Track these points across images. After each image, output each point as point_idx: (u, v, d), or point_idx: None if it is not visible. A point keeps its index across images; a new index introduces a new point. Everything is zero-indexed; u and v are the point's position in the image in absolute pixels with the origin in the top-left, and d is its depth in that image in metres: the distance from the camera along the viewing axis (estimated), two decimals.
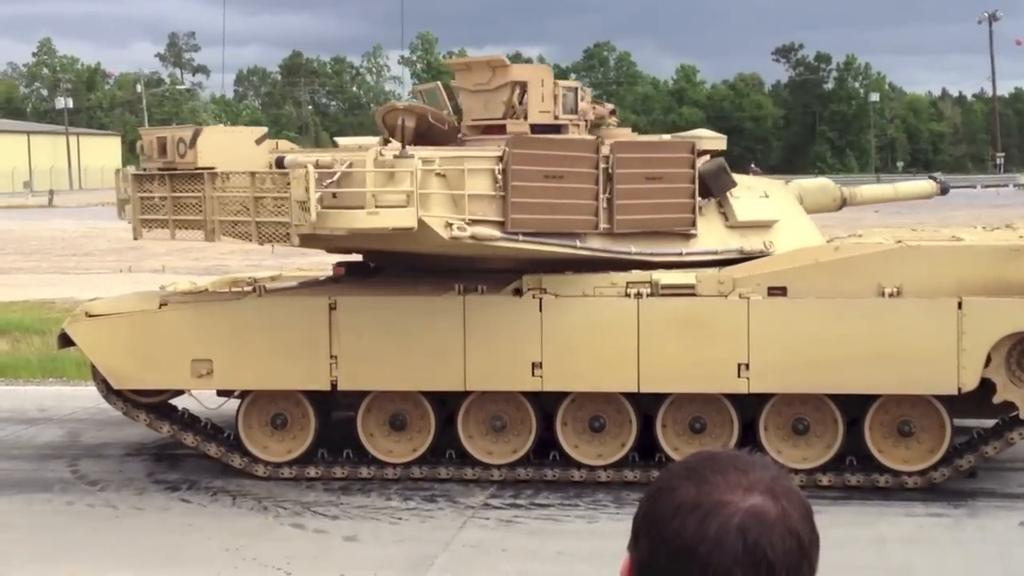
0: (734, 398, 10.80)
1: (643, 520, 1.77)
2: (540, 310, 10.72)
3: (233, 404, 11.69)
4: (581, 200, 10.55)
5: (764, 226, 11.49)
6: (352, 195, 9.74)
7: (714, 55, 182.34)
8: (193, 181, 10.49)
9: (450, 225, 10.00)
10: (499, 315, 10.79)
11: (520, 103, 11.31)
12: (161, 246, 38.16)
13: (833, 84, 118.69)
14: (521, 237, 10.34)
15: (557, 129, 11.39)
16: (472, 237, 10.09)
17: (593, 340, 10.64)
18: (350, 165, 9.78)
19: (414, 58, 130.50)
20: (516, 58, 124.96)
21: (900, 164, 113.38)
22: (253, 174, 10.09)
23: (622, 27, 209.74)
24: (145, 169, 10.95)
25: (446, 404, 11.28)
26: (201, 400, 11.92)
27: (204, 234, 10.53)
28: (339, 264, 12.33)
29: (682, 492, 1.72)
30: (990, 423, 11.12)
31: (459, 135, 11.54)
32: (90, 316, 11.33)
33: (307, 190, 9.53)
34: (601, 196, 10.62)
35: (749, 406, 10.86)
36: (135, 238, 11.20)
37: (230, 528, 9.94)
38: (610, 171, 10.64)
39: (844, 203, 13.16)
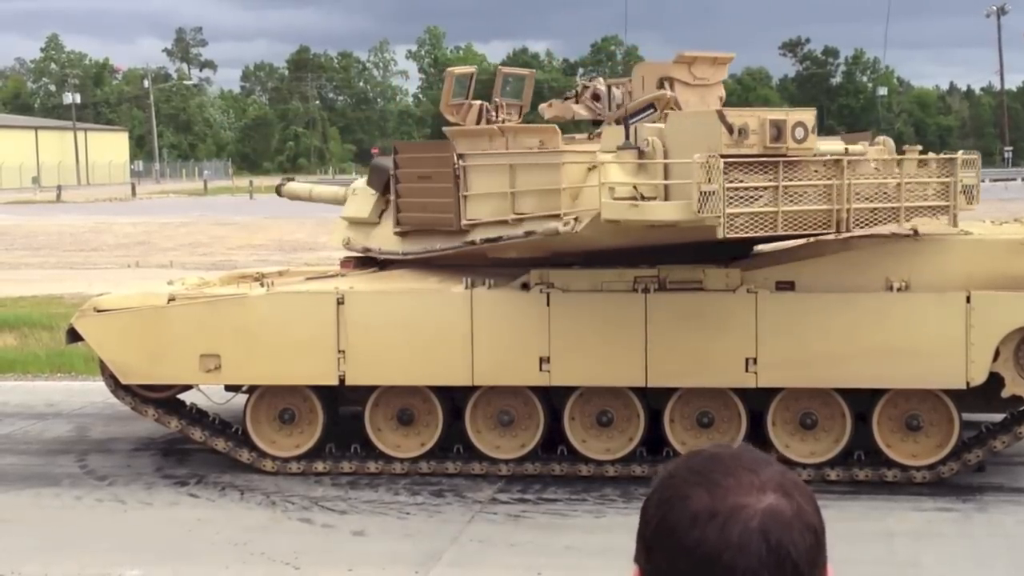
0: (742, 393, 10.79)
1: (657, 532, 1.73)
2: (547, 304, 10.71)
3: (241, 399, 11.70)
4: None
5: None
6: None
7: (720, 49, 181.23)
8: (806, 168, 9.64)
9: None
10: (507, 309, 10.79)
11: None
12: (168, 240, 38.23)
13: (841, 78, 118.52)
14: None
15: None
16: None
17: (601, 335, 10.64)
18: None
19: (422, 53, 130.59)
20: (523, 52, 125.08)
21: None
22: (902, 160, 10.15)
23: (628, 21, 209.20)
24: (740, 156, 9.44)
25: (454, 399, 11.28)
26: (209, 395, 11.93)
27: (834, 225, 9.71)
28: (346, 259, 12.35)
29: (696, 500, 1.70)
30: (998, 417, 11.09)
31: None
32: (98, 311, 11.35)
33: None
34: None
35: (757, 401, 10.84)
36: (720, 236, 9.21)
37: (238, 523, 9.96)
38: None
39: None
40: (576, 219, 9.88)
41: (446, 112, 12.19)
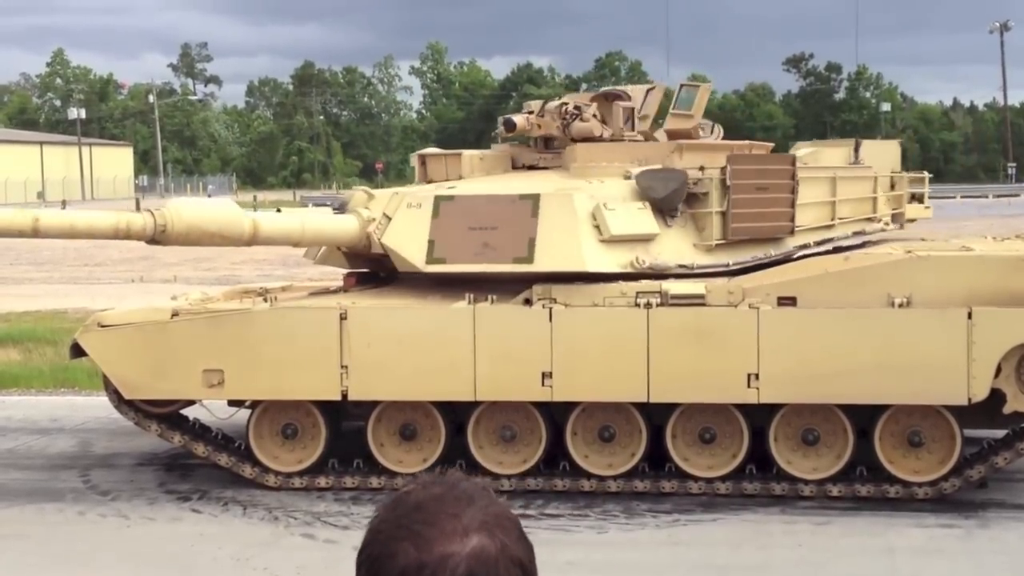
0: (744, 408, 10.80)
1: None
2: (550, 320, 10.73)
3: (244, 414, 11.72)
4: None
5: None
6: None
7: (724, 65, 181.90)
8: None
9: None
10: (509, 325, 10.81)
11: None
12: (172, 255, 38.25)
13: (844, 94, 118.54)
14: None
15: None
16: None
17: (603, 350, 10.65)
18: None
19: (424, 68, 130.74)
20: (526, 68, 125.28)
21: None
22: None
23: (629, 37, 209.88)
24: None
25: (456, 414, 11.29)
26: (212, 410, 11.95)
27: None
28: (349, 274, 12.36)
29: (402, 555, 1.73)
30: (1000, 433, 11.10)
31: None
32: (102, 326, 11.36)
33: None
34: None
35: (759, 416, 10.85)
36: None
37: (241, 538, 9.96)
38: None
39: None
40: (891, 218, 12.93)
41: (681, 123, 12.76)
